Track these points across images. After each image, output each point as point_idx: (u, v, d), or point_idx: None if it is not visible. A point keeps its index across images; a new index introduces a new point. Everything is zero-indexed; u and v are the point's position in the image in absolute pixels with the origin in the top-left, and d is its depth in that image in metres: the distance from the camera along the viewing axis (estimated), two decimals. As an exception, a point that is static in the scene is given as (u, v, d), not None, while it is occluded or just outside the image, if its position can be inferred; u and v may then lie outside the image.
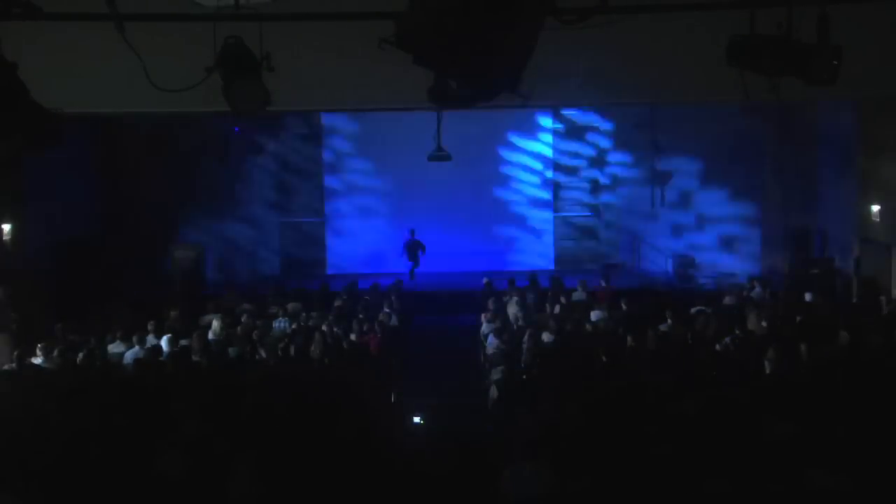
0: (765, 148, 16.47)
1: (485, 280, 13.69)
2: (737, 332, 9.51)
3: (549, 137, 17.36)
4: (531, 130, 17.30)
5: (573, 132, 17.30)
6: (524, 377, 8.78)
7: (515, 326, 10.73)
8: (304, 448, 6.14)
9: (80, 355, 9.18)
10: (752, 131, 15.96)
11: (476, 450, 7.54)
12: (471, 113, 13.16)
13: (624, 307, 11.41)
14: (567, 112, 16.97)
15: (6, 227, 12.41)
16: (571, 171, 17.45)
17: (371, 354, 10.07)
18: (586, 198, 17.49)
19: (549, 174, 17.39)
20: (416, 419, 8.95)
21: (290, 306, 11.82)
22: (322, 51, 7.82)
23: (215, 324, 10.57)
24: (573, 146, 17.38)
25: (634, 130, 16.79)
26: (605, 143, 17.30)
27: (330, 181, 17.54)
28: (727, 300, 11.96)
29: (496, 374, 8.96)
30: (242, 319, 11.00)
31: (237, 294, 13.12)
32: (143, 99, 6.35)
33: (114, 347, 9.86)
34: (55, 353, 9.15)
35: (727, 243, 16.75)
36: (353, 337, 10.47)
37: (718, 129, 15.90)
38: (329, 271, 17.27)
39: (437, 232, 16.85)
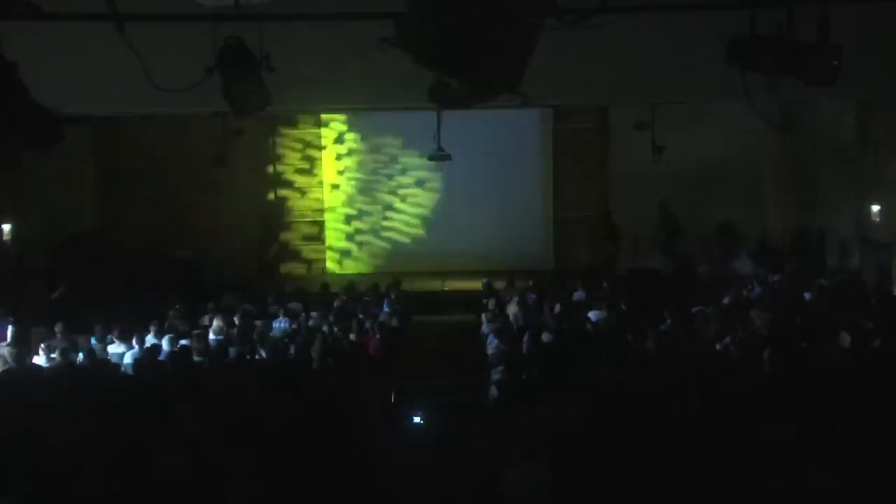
0: (765, 148, 16.48)
1: (484, 280, 13.68)
2: (738, 332, 9.51)
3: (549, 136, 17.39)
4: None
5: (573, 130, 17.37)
6: (524, 377, 8.78)
7: (515, 326, 10.73)
8: (303, 449, 6.14)
9: (80, 355, 9.19)
10: (752, 131, 15.96)
11: (476, 450, 7.55)
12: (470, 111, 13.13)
13: (624, 307, 11.41)
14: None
15: (6, 227, 12.42)
16: (571, 170, 17.51)
17: (371, 355, 10.07)
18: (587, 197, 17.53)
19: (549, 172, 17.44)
20: (416, 419, 8.96)
21: (290, 306, 11.82)
22: (322, 51, 7.82)
23: (216, 323, 10.57)
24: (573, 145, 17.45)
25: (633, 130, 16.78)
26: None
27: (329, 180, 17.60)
28: (727, 300, 11.95)
29: (496, 374, 8.96)
30: (242, 319, 11.00)
31: (237, 294, 13.12)
32: (143, 99, 6.34)
33: (114, 347, 9.86)
34: (55, 353, 9.15)
35: (727, 243, 16.74)
36: (352, 337, 10.47)
37: (717, 129, 15.91)
38: (329, 271, 17.30)
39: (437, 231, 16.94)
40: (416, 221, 17.64)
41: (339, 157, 17.60)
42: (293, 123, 17.41)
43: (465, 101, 3.37)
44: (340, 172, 17.61)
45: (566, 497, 5.53)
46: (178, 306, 11.55)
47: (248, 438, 6.23)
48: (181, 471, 5.71)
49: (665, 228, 16.58)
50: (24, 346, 9.76)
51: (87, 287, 12.85)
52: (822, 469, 5.42)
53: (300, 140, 17.66)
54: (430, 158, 14.72)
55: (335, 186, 17.64)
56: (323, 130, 17.50)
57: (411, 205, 17.62)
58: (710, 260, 15.96)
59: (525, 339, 9.64)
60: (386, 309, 12.04)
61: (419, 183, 17.50)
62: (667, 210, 16.92)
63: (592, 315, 11.15)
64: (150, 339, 9.88)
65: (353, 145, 17.54)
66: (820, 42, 5.48)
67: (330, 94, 8.88)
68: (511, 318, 11.30)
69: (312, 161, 17.65)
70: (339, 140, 17.54)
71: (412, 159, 17.27)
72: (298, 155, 17.70)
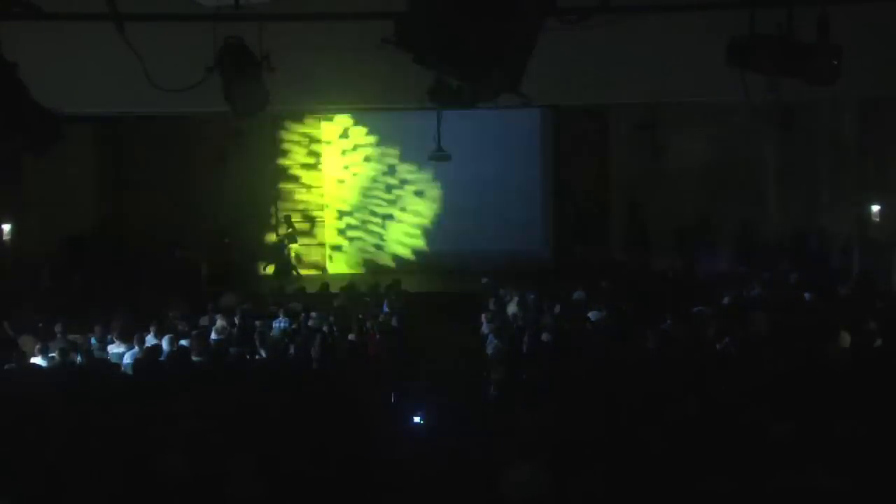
0: (765, 147, 16.47)
1: (484, 280, 13.68)
2: (738, 332, 9.50)
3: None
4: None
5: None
6: (524, 377, 8.78)
7: (515, 326, 10.73)
8: (303, 449, 6.14)
9: (80, 355, 9.18)
10: (752, 131, 15.96)
11: (476, 450, 7.55)
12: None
13: (624, 307, 11.40)
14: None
15: (6, 227, 12.42)
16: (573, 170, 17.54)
17: (371, 355, 10.06)
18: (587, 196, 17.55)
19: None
20: (416, 419, 8.96)
21: (291, 306, 11.82)
22: (322, 51, 7.82)
23: (219, 323, 10.56)
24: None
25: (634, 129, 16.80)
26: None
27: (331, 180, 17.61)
28: (727, 300, 11.95)
29: (496, 374, 8.96)
30: (242, 319, 11.00)
31: (237, 294, 13.12)
32: (143, 99, 6.35)
33: (114, 348, 9.86)
34: (55, 353, 9.15)
35: (727, 243, 16.74)
36: (352, 337, 10.46)
37: (718, 129, 15.90)
38: (329, 271, 17.31)
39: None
40: (417, 220, 17.69)
41: (343, 153, 17.64)
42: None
43: (465, 101, 3.37)
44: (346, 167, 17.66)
45: (566, 497, 5.53)
46: (178, 306, 11.55)
47: (248, 438, 6.23)
48: (181, 471, 5.71)
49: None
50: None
51: (88, 287, 12.88)
52: (822, 469, 5.42)
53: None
54: (430, 158, 14.73)
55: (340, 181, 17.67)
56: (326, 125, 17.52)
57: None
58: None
59: (525, 339, 9.64)
60: (386, 309, 12.04)
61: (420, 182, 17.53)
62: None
63: (592, 315, 11.15)
64: (150, 339, 9.87)
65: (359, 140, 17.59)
66: (820, 42, 5.48)
67: (330, 94, 8.89)
68: (511, 318, 11.30)
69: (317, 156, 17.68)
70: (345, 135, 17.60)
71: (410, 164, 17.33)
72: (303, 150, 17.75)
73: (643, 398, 6.99)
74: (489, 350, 9.99)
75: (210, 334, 10.29)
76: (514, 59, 3.02)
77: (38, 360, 9.21)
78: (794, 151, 15.87)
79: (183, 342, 9.67)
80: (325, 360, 9.25)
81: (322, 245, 17.77)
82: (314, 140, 17.62)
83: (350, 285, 13.64)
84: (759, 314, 10.33)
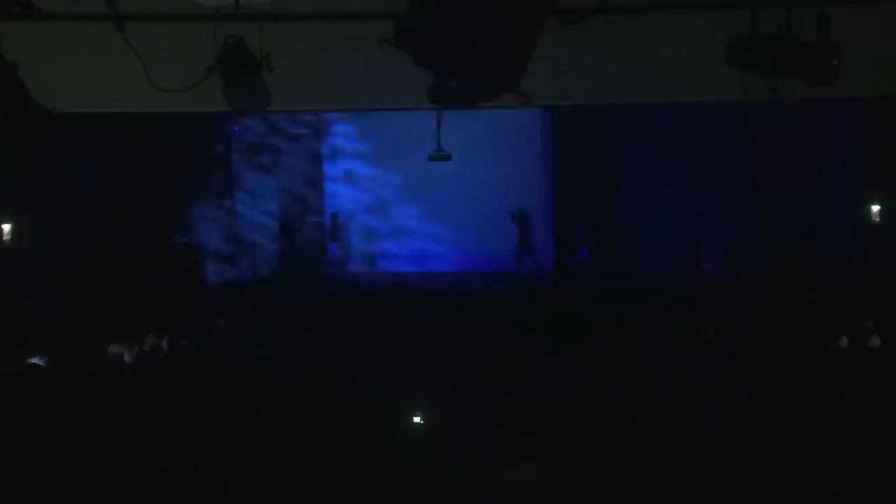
0: (765, 147, 16.46)
1: (484, 281, 13.68)
2: (739, 332, 9.51)
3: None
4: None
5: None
6: (524, 377, 8.77)
7: (516, 326, 10.71)
8: (303, 448, 6.15)
9: (79, 355, 9.18)
10: (751, 130, 15.95)
11: (476, 450, 7.54)
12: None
13: (624, 307, 11.39)
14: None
15: (6, 227, 12.41)
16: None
17: (370, 354, 10.05)
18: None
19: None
20: (416, 419, 8.94)
21: (290, 306, 11.81)
22: (322, 51, 7.81)
23: (219, 322, 10.57)
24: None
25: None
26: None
27: (330, 181, 17.58)
28: (727, 300, 11.94)
29: (499, 375, 8.94)
30: (242, 319, 11.00)
31: (237, 294, 13.12)
32: (143, 99, 6.35)
33: (113, 348, 9.85)
34: (56, 353, 9.14)
35: (728, 243, 16.72)
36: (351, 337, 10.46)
37: (718, 129, 15.89)
38: (329, 271, 17.28)
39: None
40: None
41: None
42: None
43: (465, 101, 3.38)
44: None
45: (566, 497, 5.52)
46: (178, 306, 11.55)
47: (247, 438, 6.23)
48: (181, 470, 5.71)
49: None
50: None
51: (87, 287, 12.87)
52: (822, 469, 5.42)
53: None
54: (430, 159, 14.72)
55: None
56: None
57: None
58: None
59: (525, 338, 9.63)
60: (385, 309, 12.04)
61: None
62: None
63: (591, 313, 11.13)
64: (149, 340, 9.86)
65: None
66: (820, 42, 5.49)
67: (330, 94, 8.88)
68: (511, 317, 11.29)
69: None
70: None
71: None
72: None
73: (643, 398, 6.99)
74: (489, 350, 9.97)
75: (211, 334, 10.30)
76: (514, 59, 3.02)
77: (37, 360, 9.21)
78: (795, 150, 15.87)
79: (182, 342, 9.67)
80: (323, 359, 9.25)
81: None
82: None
83: (350, 285, 13.61)
84: (759, 314, 10.33)
